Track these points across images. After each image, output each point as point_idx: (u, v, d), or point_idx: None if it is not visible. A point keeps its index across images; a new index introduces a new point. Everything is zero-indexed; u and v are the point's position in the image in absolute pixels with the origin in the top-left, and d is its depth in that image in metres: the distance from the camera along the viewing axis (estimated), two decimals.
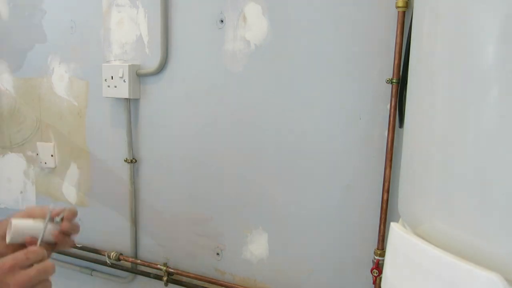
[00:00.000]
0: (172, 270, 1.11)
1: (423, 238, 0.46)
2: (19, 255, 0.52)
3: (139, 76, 1.09)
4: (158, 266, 1.13)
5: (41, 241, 0.57)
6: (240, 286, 1.04)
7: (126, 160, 1.14)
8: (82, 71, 1.20)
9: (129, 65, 1.06)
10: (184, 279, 1.12)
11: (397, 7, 0.78)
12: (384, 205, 0.84)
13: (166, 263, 1.13)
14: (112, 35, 1.13)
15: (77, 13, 1.17)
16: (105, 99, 1.16)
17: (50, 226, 0.58)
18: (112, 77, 1.08)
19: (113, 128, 1.17)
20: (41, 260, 0.54)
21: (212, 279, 1.07)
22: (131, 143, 1.14)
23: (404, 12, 0.78)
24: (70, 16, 1.18)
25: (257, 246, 1.02)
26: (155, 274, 1.14)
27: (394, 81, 0.80)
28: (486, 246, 0.39)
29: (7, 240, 0.57)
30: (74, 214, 0.62)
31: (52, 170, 1.31)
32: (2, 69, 1.34)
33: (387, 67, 0.82)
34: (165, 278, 1.11)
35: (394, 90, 0.80)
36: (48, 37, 1.23)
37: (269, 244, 1.01)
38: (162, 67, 1.05)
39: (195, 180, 1.07)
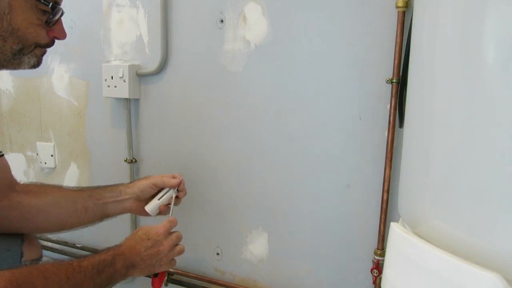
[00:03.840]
0: (172, 270, 1.11)
1: (423, 238, 0.46)
2: (166, 224, 0.78)
3: (139, 76, 1.09)
4: None
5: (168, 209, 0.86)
6: (240, 286, 1.04)
7: (126, 160, 1.14)
8: (82, 71, 1.20)
9: (129, 65, 1.06)
10: (184, 279, 1.11)
11: (397, 7, 0.78)
12: (384, 205, 0.84)
13: None
14: (112, 35, 1.13)
15: (77, 13, 1.17)
16: (105, 99, 1.16)
17: (168, 195, 0.86)
18: (112, 77, 1.08)
19: (113, 128, 1.17)
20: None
21: (212, 279, 1.07)
22: (131, 143, 1.14)
23: (404, 12, 0.78)
24: (70, 16, 1.18)
25: (257, 246, 1.02)
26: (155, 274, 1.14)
27: (394, 81, 0.80)
28: (486, 246, 0.39)
29: (151, 214, 0.86)
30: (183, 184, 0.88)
31: (52, 170, 1.31)
32: None
33: (387, 67, 0.82)
34: (165, 278, 1.11)
35: (394, 90, 0.80)
36: None
37: (269, 244, 1.01)
38: (162, 67, 1.05)
39: (195, 180, 1.07)
